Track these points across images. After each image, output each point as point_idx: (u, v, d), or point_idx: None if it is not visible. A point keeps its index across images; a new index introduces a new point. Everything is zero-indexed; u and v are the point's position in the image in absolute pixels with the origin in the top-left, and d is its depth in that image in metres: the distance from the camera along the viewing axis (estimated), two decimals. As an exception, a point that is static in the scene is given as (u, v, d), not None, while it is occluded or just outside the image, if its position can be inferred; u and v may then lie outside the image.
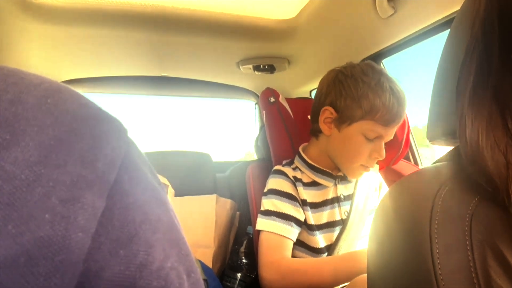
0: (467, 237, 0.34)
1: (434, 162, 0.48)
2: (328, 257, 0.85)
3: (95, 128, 0.21)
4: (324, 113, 0.88)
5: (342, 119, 0.85)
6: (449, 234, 0.34)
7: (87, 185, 0.20)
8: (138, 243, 0.22)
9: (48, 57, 1.35)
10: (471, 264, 0.32)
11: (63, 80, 1.61)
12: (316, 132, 0.93)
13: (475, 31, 0.36)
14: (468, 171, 0.37)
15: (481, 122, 0.34)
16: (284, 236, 0.82)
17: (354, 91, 0.83)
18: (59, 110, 0.20)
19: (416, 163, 1.31)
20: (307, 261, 0.81)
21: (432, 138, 0.46)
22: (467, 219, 0.34)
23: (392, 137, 0.86)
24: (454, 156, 0.45)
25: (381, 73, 0.84)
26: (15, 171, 0.17)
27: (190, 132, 2.97)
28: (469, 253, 0.33)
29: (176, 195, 1.40)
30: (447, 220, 0.35)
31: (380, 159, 0.85)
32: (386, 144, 0.88)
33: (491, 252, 0.32)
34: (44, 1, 0.99)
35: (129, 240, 0.21)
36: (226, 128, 2.95)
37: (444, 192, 0.36)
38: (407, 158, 1.28)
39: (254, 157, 1.41)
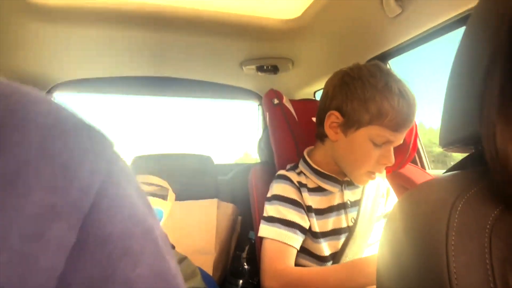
0: (486, 255, 0.31)
1: (447, 170, 0.45)
2: (333, 265, 0.82)
3: (70, 145, 0.18)
4: (329, 118, 0.84)
5: (349, 124, 0.81)
6: (467, 251, 0.31)
7: (56, 215, 0.16)
8: (116, 282, 0.19)
9: (46, 57, 1.34)
10: (491, 285, 0.30)
11: (63, 81, 1.59)
12: (321, 136, 0.90)
13: (499, 28, 0.33)
14: (492, 180, 0.34)
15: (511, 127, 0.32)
16: (288, 244, 0.80)
17: (361, 94, 0.79)
18: (29, 126, 0.17)
19: (423, 166, 1.28)
20: (311, 270, 0.78)
21: (445, 144, 0.43)
22: (486, 234, 0.32)
23: (401, 142, 0.83)
24: (470, 164, 0.42)
25: (389, 75, 0.80)
26: None
27: (192, 134, 2.95)
28: (489, 272, 0.30)
29: (177, 198, 1.38)
30: (465, 235, 0.32)
31: (389, 165, 0.82)
32: (393, 147, 0.85)
33: None
34: (42, 1, 0.97)
35: (104, 280, 0.18)
36: (228, 130, 2.93)
37: (462, 204, 0.33)
38: (414, 161, 1.25)
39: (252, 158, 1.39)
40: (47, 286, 0.16)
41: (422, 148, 1.30)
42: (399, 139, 0.81)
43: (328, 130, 0.85)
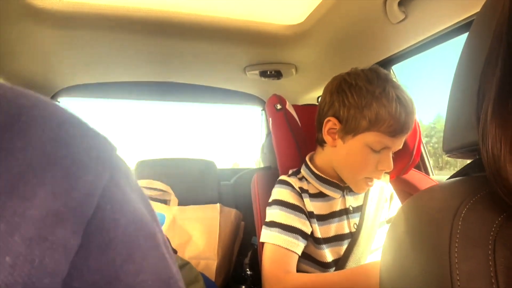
0: (490, 263, 0.31)
1: (451, 177, 0.45)
2: (336, 272, 0.81)
3: (73, 150, 0.18)
4: (327, 124, 0.84)
5: (346, 131, 0.81)
6: (471, 259, 0.31)
7: (59, 219, 0.16)
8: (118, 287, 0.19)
9: (51, 63, 1.35)
10: (496, 294, 0.29)
11: (68, 86, 1.61)
12: (321, 142, 0.90)
13: (498, 33, 0.33)
14: (491, 186, 0.33)
15: (505, 132, 0.31)
16: (289, 250, 0.79)
17: (358, 101, 0.79)
18: (33, 131, 0.17)
19: (427, 172, 1.28)
20: (313, 276, 0.77)
21: (449, 150, 0.43)
22: (490, 241, 0.31)
23: (401, 147, 0.82)
24: (474, 170, 0.42)
25: (387, 81, 0.80)
26: None
27: (195, 138, 2.95)
28: (493, 280, 0.30)
29: (179, 203, 1.37)
30: (469, 242, 0.32)
31: (388, 170, 0.81)
32: (396, 153, 0.85)
33: None
34: (47, 5, 0.97)
35: (107, 285, 0.18)
36: (231, 135, 2.93)
37: (465, 210, 0.33)
38: (417, 167, 1.24)
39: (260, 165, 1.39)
40: None
41: (426, 153, 1.29)
42: (398, 145, 0.81)
43: (326, 136, 0.85)
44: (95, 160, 0.19)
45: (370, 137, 0.78)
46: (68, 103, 1.75)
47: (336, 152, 0.85)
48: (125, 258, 0.19)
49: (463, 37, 0.95)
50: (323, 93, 0.89)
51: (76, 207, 0.17)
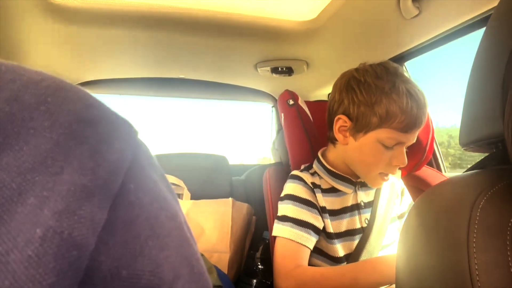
0: (508, 253, 0.31)
1: (467, 170, 0.45)
2: (348, 264, 0.82)
3: (98, 130, 0.19)
4: (338, 122, 0.84)
5: (357, 128, 0.81)
6: (489, 249, 0.31)
7: (86, 195, 0.17)
8: (143, 262, 0.19)
9: (67, 58, 1.37)
10: (514, 283, 0.30)
11: (82, 81, 1.63)
12: (332, 140, 0.90)
13: None
14: (509, 178, 0.34)
15: None
16: (301, 244, 0.79)
17: (367, 98, 0.78)
18: (59, 111, 0.18)
19: (439, 169, 1.27)
20: (325, 269, 0.78)
21: (465, 143, 0.43)
22: (508, 232, 0.32)
23: (414, 141, 0.81)
24: (491, 163, 0.42)
25: (396, 75, 0.78)
26: (6, 178, 0.15)
27: (207, 134, 2.97)
28: (511, 270, 0.30)
29: (192, 197, 1.39)
30: (487, 233, 0.32)
31: (402, 166, 0.81)
32: (409, 149, 0.84)
33: None
34: (64, 2, 0.99)
35: (133, 259, 0.19)
36: (242, 131, 2.94)
37: (483, 201, 0.33)
38: (430, 164, 1.24)
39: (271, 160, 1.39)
40: (79, 263, 0.16)
41: (439, 150, 1.29)
42: (411, 140, 0.80)
43: (337, 134, 0.85)
44: (119, 141, 0.20)
45: (382, 134, 0.78)
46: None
47: (348, 149, 0.85)
48: (149, 234, 0.20)
49: (475, 34, 0.94)
50: (333, 90, 0.89)
51: (102, 183, 0.18)
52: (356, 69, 0.84)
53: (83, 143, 0.18)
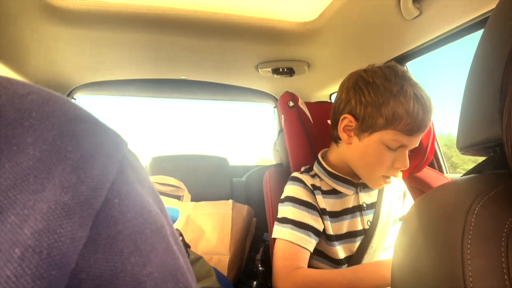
0: (503, 259, 0.31)
1: (465, 174, 0.45)
2: (348, 268, 0.81)
3: (83, 145, 0.19)
4: (343, 121, 0.84)
5: (363, 128, 0.80)
6: (484, 255, 0.31)
7: (67, 213, 0.17)
8: (125, 279, 0.19)
9: (67, 60, 1.37)
10: (508, 290, 0.29)
11: (84, 83, 1.64)
12: (336, 139, 0.90)
13: None
14: (506, 183, 0.33)
15: None
16: (301, 246, 0.79)
17: (375, 99, 0.78)
18: (43, 126, 0.18)
19: (441, 170, 1.26)
20: (325, 272, 0.78)
21: (463, 147, 0.43)
22: (503, 238, 0.31)
23: (417, 145, 0.82)
24: (488, 167, 0.41)
25: (404, 78, 0.79)
26: None
27: (207, 135, 2.97)
28: (505, 277, 0.30)
29: (192, 199, 1.39)
30: (481, 239, 0.32)
31: (404, 169, 0.81)
32: (411, 151, 0.84)
33: None
34: (64, 5, 0.99)
35: (114, 277, 0.19)
36: (244, 132, 2.94)
37: (478, 207, 0.33)
38: (431, 165, 1.23)
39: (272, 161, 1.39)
40: (59, 282, 0.16)
41: (440, 151, 1.28)
42: (414, 143, 0.80)
43: (341, 134, 0.84)
44: (104, 155, 0.20)
45: (386, 136, 0.78)
46: (84, 101, 1.79)
47: (351, 149, 0.85)
48: (132, 250, 0.20)
49: (477, 34, 0.94)
50: (339, 90, 0.89)
51: (84, 200, 0.18)
52: (365, 70, 0.84)
53: (66, 159, 0.18)
